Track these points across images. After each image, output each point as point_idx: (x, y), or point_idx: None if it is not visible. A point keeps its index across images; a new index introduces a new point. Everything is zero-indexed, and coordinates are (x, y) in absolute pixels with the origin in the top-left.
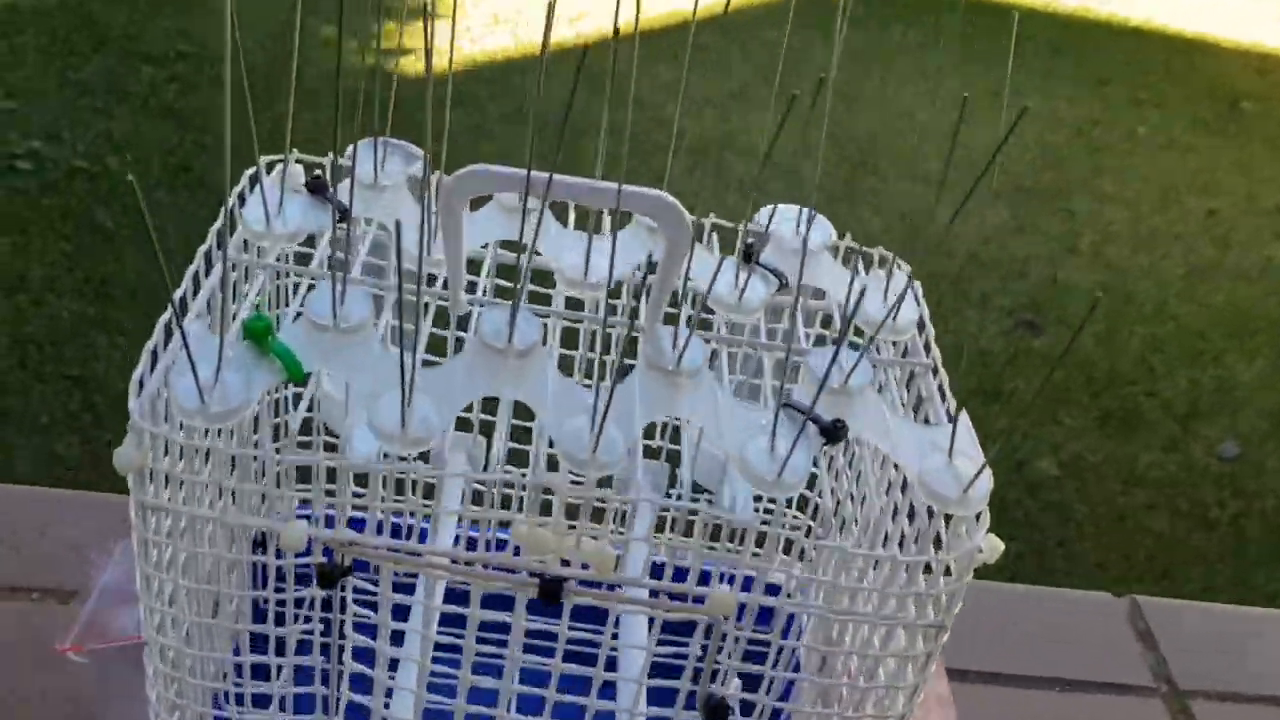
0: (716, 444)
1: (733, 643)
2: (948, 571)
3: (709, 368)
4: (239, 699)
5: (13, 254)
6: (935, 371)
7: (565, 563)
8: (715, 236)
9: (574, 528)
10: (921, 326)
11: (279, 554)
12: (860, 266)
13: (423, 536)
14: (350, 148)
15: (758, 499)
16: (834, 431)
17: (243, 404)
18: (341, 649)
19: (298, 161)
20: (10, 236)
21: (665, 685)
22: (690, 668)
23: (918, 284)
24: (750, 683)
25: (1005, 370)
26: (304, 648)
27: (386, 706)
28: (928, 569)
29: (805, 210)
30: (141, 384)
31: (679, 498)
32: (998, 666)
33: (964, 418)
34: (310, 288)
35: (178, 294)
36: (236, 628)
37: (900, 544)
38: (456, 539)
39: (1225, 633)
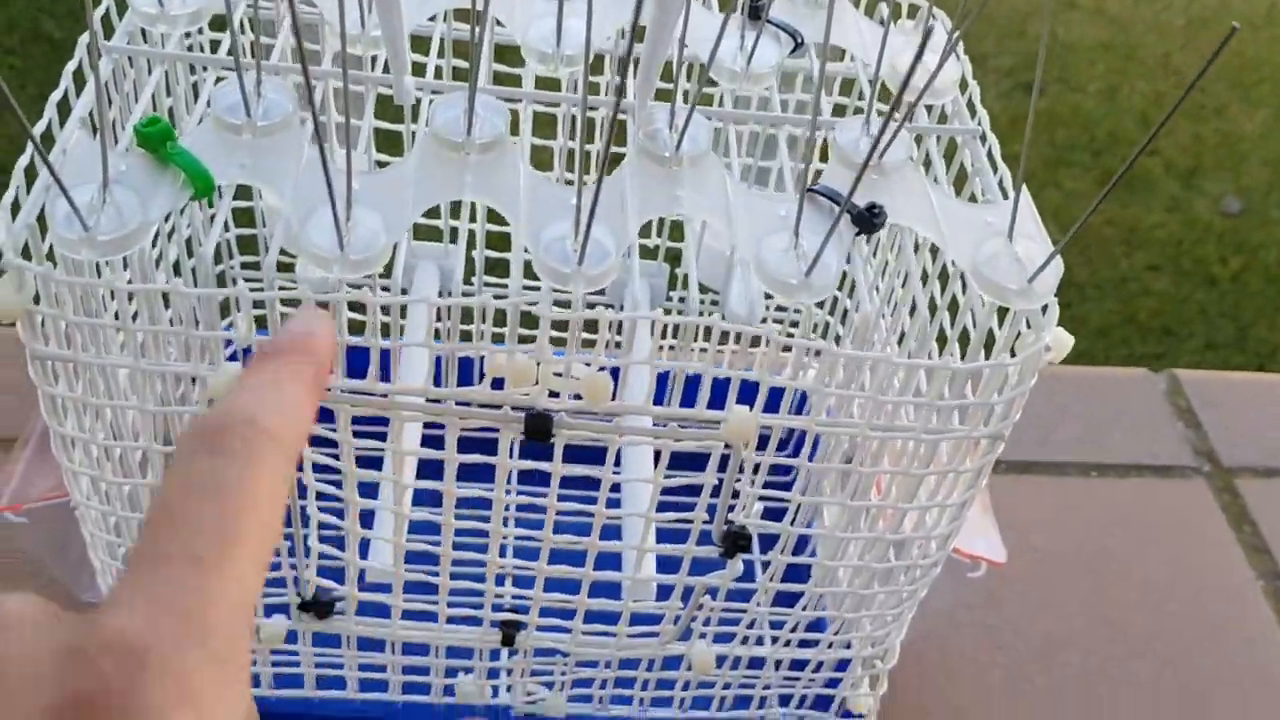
0: (727, 242)
1: (752, 469)
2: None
3: (714, 151)
4: None
5: None
6: (983, 139)
7: (554, 394)
8: None
9: (561, 354)
10: (964, 86)
11: (210, 403)
12: (887, 17)
13: (385, 367)
14: None
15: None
16: (870, 219)
17: (139, 228)
18: (304, 508)
19: None
20: None
21: (675, 520)
22: (705, 498)
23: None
24: (769, 508)
25: (1005, 134)
26: None
27: (364, 558)
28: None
29: None
30: (17, 210)
31: (682, 302)
32: (1028, 454)
33: (1024, 194)
34: (220, 81)
35: (54, 95)
36: None
37: (938, 347)
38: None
39: (1272, 406)
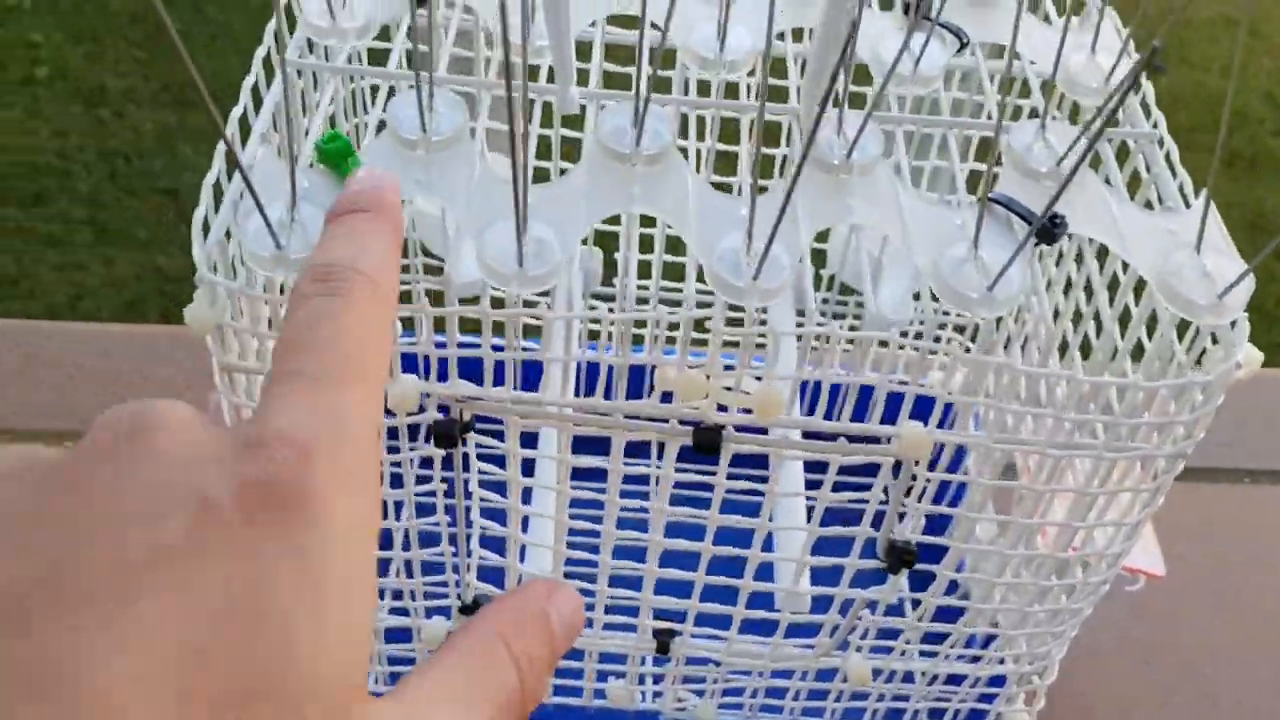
0: (903, 254)
1: (921, 484)
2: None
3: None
4: None
5: (89, 63)
6: (1160, 142)
7: (722, 408)
8: None
9: (730, 368)
10: (1137, 85)
11: (388, 413)
12: (1050, 12)
13: (531, 375)
14: None
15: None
16: (1051, 230)
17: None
18: (468, 509)
19: None
20: (84, 45)
21: (835, 531)
22: (870, 511)
23: (1126, 30)
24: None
25: None
26: (425, 509)
27: (521, 562)
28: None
29: None
30: (206, 227)
31: (825, 303)
32: (1217, 459)
33: (1204, 203)
34: (391, 92)
35: (235, 112)
36: None
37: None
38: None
39: None
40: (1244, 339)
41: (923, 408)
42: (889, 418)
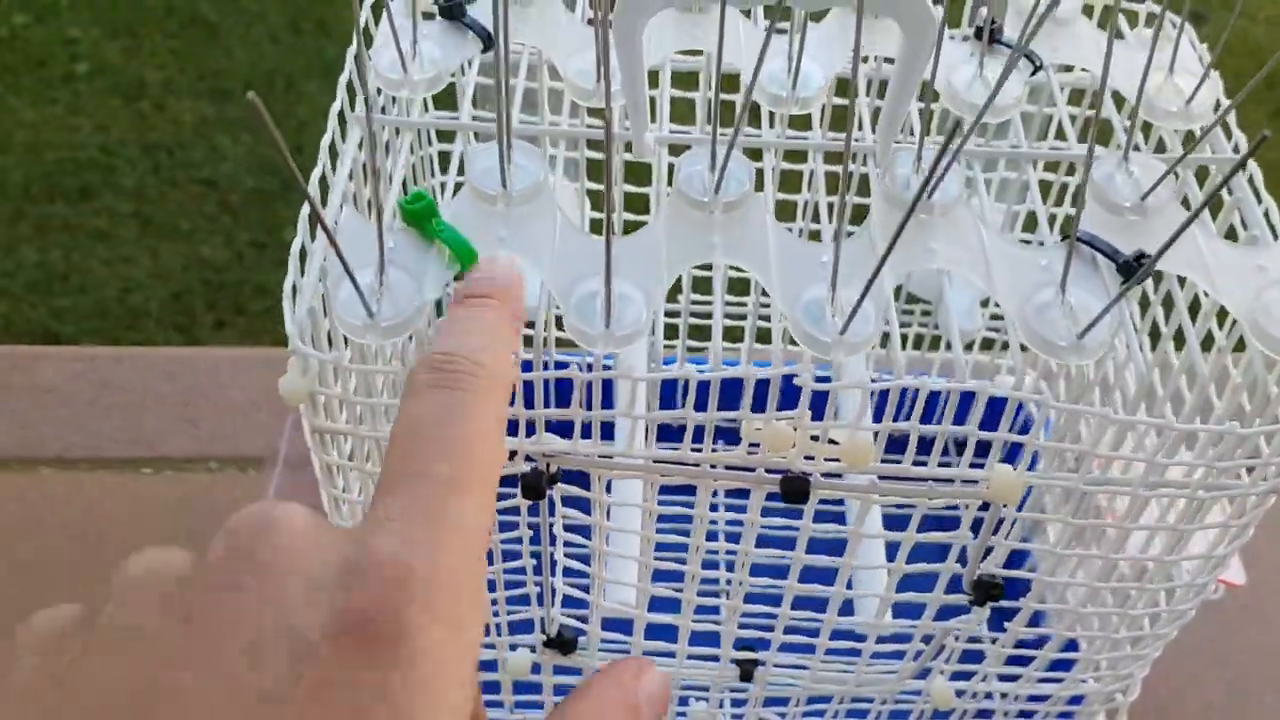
0: (989, 297)
1: (1010, 523)
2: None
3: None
4: None
5: (126, 57)
6: (1244, 167)
7: (809, 456)
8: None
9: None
10: (1218, 106)
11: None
12: (1125, 30)
13: (607, 430)
14: None
15: (984, 304)
16: (1132, 269)
17: (417, 311)
18: (552, 555)
19: None
20: (121, 40)
21: (921, 568)
22: (957, 548)
23: (1203, 47)
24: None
25: None
26: (511, 553)
27: (605, 600)
28: None
29: None
30: (295, 292)
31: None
32: None
33: None
34: (470, 138)
35: (315, 173)
36: None
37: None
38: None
39: None
40: None
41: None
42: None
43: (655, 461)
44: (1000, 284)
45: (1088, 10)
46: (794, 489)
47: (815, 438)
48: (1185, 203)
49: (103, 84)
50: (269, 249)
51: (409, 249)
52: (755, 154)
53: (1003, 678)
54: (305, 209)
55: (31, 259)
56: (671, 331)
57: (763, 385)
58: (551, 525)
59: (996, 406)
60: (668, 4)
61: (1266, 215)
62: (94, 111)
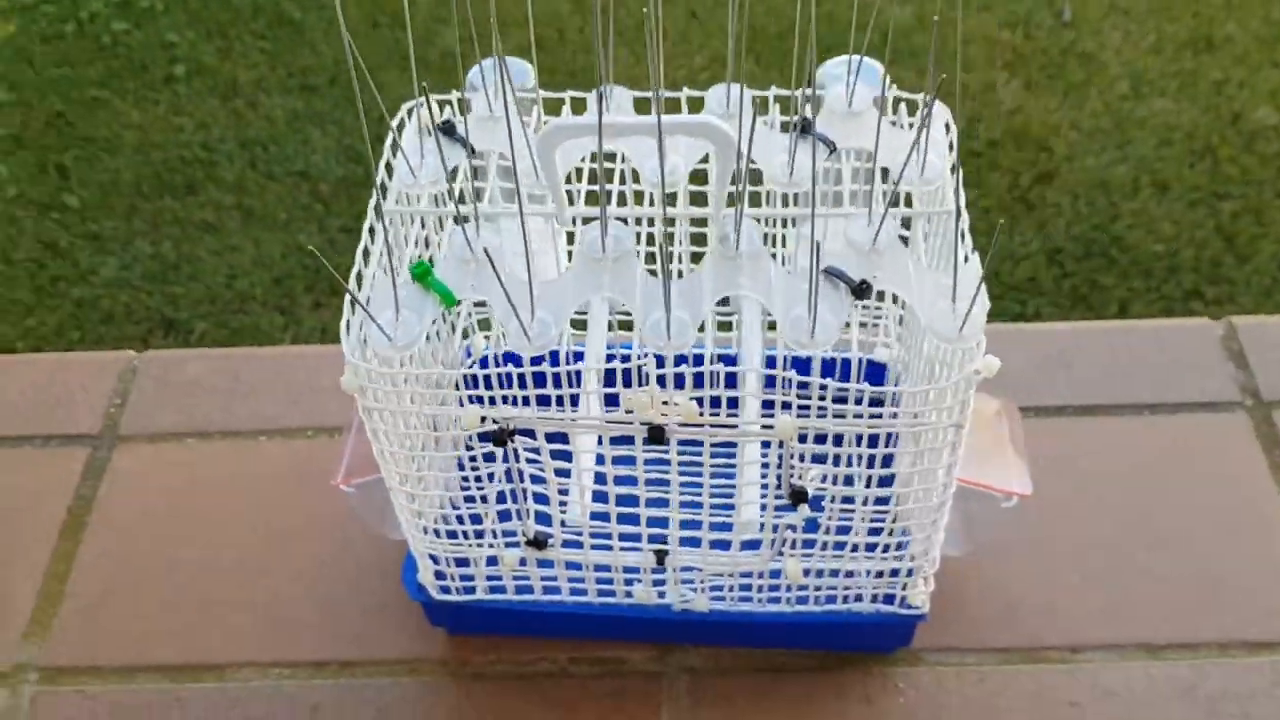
0: (772, 312)
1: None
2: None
3: (766, 242)
4: (459, 519)
5: (220, 58)
6: (958, 216)
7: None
8: (776, 109)
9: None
10: (954, 169)
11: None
12: (905, 115)
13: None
14: (471, 72)
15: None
16: (861, 290)
17: (418, 335)
18: (523, 482)
19: (441, 102)
20: (215, 41)
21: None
22: (773, 469)
23: (953, 128)
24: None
25: (1217, 15)
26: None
27: (563, 513)
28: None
29: (855, 59)
30: (349, 325)
31: None
32: (1091, 398)
33: (973, 261)
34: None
35: (358, 249)
36: (449, 476)
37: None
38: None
39: None
40: (980, 354)
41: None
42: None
43: (571, 420)
44: (777, 303)
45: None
46: (654, 435)
47: (666, 402)
48: (907, 241)
49: (200, 84)
50: (356, 234)
51: (415, 296)
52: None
53: (834, 556)
54: (354, 271)
55: (146, 251)
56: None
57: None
58: (519, 464)
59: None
60: (576, 136)
61: (968, 251)
62: (194, 111)
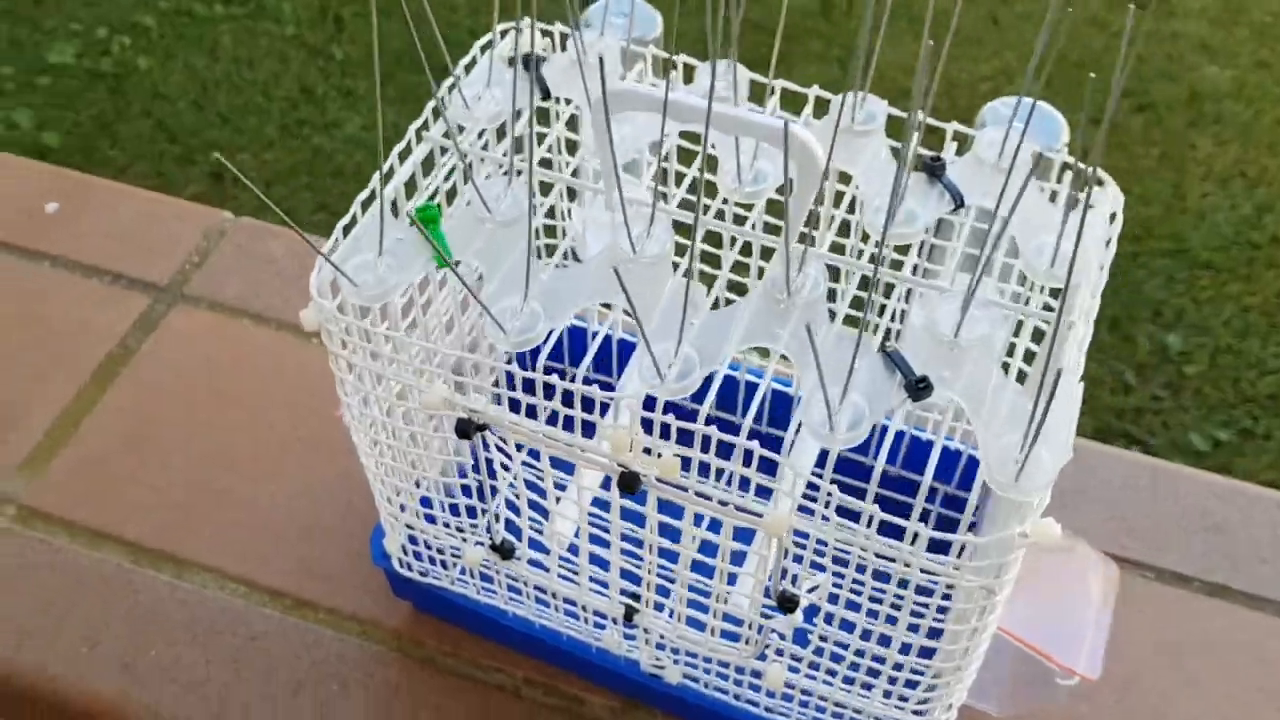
0: (801, 382)
1: (793, 554)
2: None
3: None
4: (424, 501)
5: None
6: (1057, 321)
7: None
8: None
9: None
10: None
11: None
12: (1057, 181)
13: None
14: (594, 6)
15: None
16: (916, 390)
17: (391, 288)
18: (492, 479)
19: (544, 32)
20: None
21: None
22: (753, 560)
23: (1119, 220)
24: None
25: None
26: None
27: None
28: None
29: (1024, 102)
30: (325, 256)
31: None
32: (1229, 577)
33: (1069, 387)
34: (488, 178)
35: (385, 164)
36: (423, 453)
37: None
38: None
39: None
40: (1035, 514)
41: None
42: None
43: (542, 435)
44: (808, 373)
45: (1044, 161)
46: (626, 482)
47: (648, 450)
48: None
49: None
50: None
51: (410, 244)
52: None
53: (825, 681)
54: (360, 196)
55: (389, 118)
56: None
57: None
58: (489, 460)
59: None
60: (634, 108)
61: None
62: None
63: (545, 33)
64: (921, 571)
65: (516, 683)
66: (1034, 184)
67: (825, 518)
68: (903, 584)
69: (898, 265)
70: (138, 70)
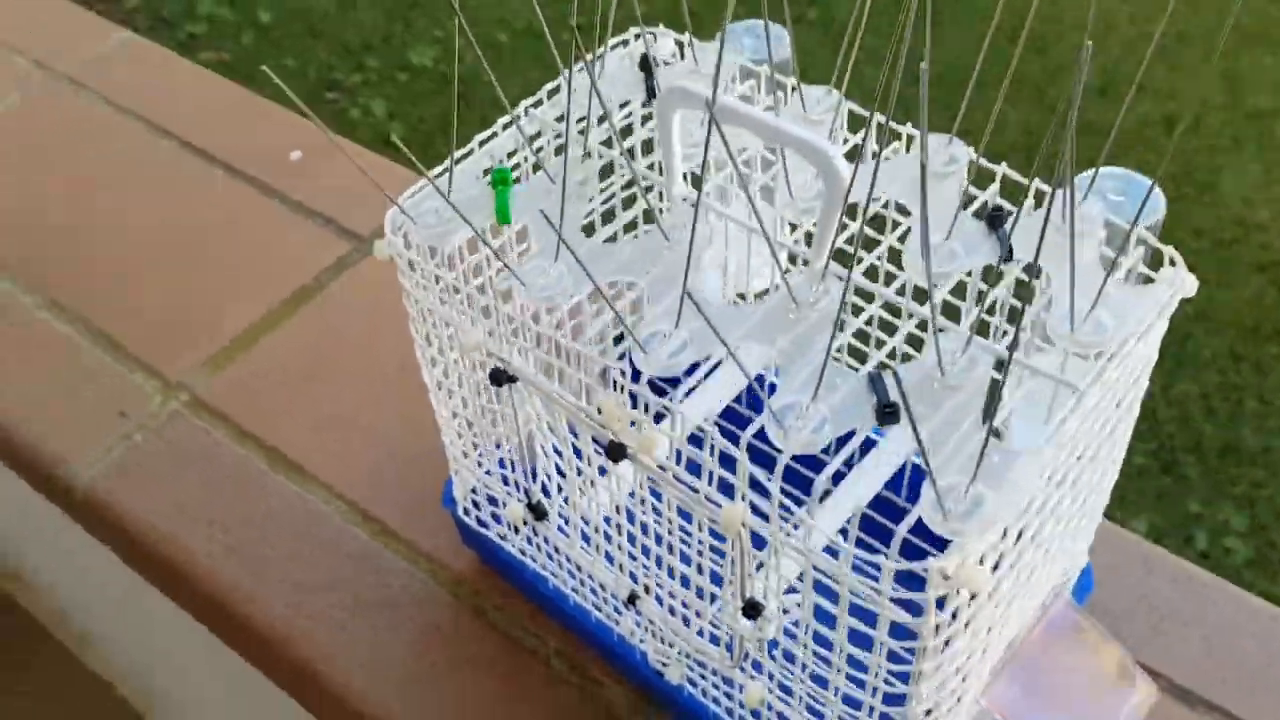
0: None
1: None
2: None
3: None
4: (475, 445)
5: None
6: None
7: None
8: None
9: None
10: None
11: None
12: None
13: None
14: (735, 25)
15: None
16: (883, 414)
17: (447, 232)
18: (520, 436)
19: (676, 42)
20: None
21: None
22: (729, 571)
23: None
24: None
25: None
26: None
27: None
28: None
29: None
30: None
31: None
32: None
33: (1034, 436)
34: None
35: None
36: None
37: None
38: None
39: None
40: (961, 565)
41: None
42: None
43: (556, 394)
44: (788, 380)
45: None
46: (612, 452)
47: (634, 424)
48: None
49: None
50: None
51: (479, 196)
52: None
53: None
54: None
55: None
56: None
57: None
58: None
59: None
60: (687, 106)
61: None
62: None
63: (678, 42)
64: (851, 594)
65: (548, 652)
66: (1099, 253)
67: (782, 521)
68: (863, 615)
69: (923, 297)
70: (480, 80)
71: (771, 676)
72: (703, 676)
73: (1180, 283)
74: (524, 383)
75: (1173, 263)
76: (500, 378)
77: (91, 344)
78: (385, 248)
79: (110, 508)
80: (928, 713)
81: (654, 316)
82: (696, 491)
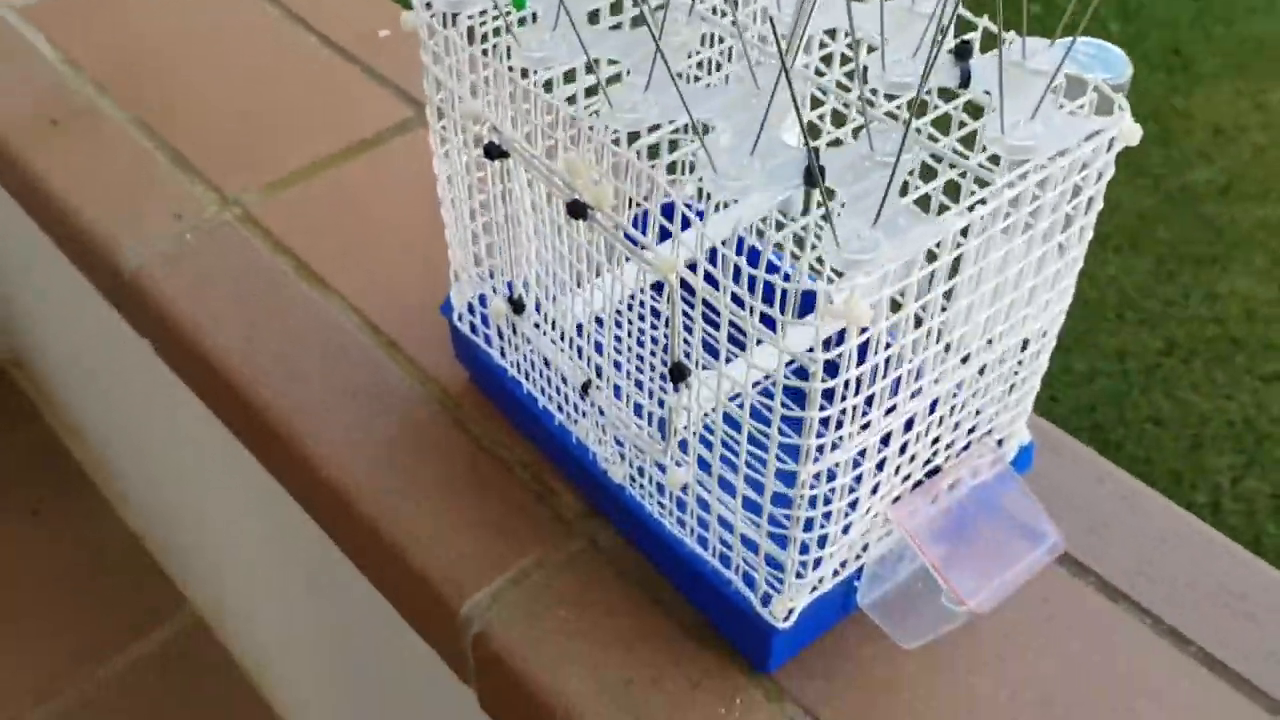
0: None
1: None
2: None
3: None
4: (474, 237)
5: None
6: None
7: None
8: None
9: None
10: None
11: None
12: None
13: None
14: None
15: None
16: (809, 177)
17: (461, 3)
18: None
19: None
20: None
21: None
22: (668, 328)
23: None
24: None
25: None
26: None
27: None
28: None
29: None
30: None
31: None
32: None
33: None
34: None
35: None
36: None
37: None
38: None
39: None
40: (858, 295)
41: None
42: None
43: (537, 159)
44: (723, 132)
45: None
46: (574, 209)
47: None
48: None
49: None
50: None
51: None
52: None
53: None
54: None
55: None
56: None
57: None
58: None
59: None
60: None
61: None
62: None
63: None
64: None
65: (511, 461)
66: (1052, 96)
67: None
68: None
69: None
70: None
71: (702, 464)
72: (640, 474)
73: (1122, 128)
74: (515, 158)
75: (1120, 109)
76: (493, 151)
77: (166, 159)
78: (412, 18)
79: (151, 293)
80: (826, 502)
81: (630, 85)
82: (640, 246)
